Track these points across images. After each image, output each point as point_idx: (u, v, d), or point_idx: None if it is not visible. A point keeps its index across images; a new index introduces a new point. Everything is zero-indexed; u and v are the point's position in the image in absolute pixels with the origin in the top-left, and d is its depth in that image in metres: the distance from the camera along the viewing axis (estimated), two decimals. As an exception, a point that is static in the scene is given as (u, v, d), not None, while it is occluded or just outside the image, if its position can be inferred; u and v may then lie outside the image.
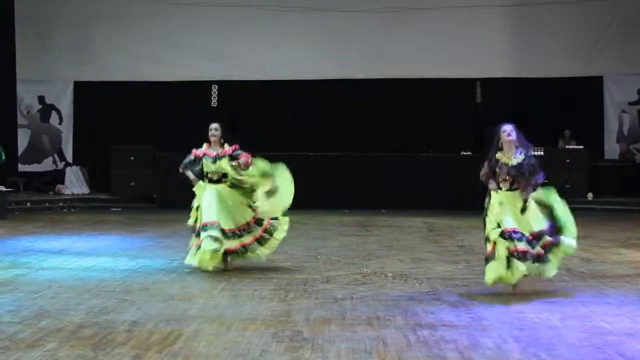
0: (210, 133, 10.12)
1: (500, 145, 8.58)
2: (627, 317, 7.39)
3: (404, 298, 8.31)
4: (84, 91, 22.38)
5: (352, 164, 19.85)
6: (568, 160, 19.63)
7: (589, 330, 6.86)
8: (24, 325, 6.92)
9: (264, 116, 21.51)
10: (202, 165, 10.04)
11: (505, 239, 8.30)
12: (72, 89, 22.55)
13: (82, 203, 19.91)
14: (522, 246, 8.27)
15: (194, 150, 10.17)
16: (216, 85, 22.10)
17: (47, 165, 22.59)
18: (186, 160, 10.18)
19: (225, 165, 10.00)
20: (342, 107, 21.45)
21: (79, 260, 10.83)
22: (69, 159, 22.37)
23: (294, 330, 6.84)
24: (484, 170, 8.67)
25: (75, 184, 21.18)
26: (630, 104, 21.95)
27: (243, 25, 21.82)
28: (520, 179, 8.47)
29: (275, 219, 10.32)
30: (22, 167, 22.46)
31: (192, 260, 9.80)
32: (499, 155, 8.57)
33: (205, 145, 10.11)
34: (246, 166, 10.05)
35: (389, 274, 9.85)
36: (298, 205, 18.23)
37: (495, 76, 21.56)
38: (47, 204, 19.64)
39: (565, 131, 20.93)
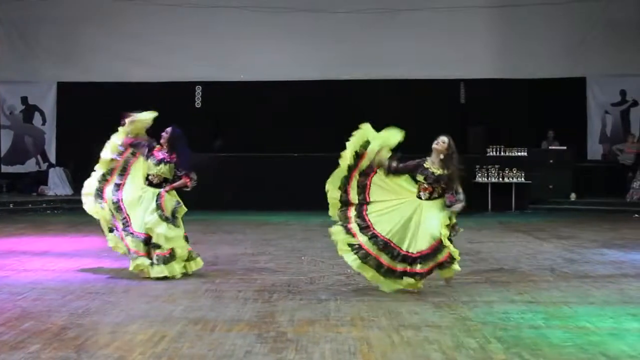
0: (162, 135, 9.87)
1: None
2: (610, 317, 7.42)
3: (387, 299, 8.32)
4: (67, 92, 22.31)
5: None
6: (551, 161, 19.73)
7: (573, 331, 6.89)
8: (7, 327, 6.89)
9: (247, 117, 21.50)
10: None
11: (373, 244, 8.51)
12: (55, 89, 22.47)
13: (65, 204, 19.80)
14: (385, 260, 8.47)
15: (157, 147, 9.88)
16: (200, 86, 22.08)
17: (30, 166, 22.50)
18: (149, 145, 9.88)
19: (168, 171, 9.71)
20: (326, 108, 21.45)
21: (63, 262, 10.79)
22: (52, 160, 22.29)
23: (278, 331, 6.85)
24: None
25: (58, 185, 21.09)
26: (613, 105, 22.07)
27: (227, 26, 21.80)
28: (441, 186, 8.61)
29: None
30: (4, 168, 22.40)
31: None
32: (427, 163, 8.71)
33: (157, 147, 9.87)
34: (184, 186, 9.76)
35: (373, 275, 9.85)
36: (283, 206, 18.39)
37: (479, 77, 21.62)
38: (30, 205, 19.55)
39: (548, 132, 21.01)
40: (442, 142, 8.72)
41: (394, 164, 8.74)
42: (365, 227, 8.59)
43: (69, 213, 18.76)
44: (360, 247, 8.53)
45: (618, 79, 21.78)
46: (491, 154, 19.49)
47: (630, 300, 8.29)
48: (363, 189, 8.80)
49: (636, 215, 17.91)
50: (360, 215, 8.68)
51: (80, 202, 20.33)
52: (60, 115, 22.49)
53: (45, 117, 22.55)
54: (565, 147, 20.24)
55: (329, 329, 6.93)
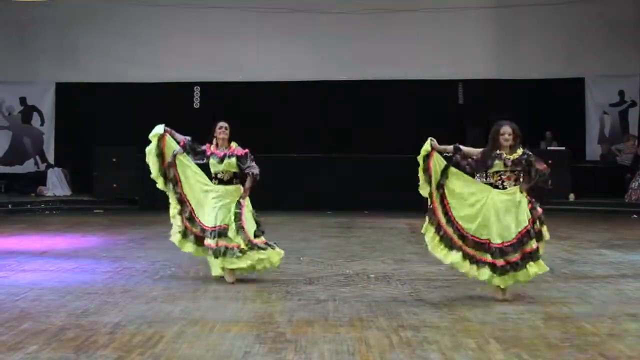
0: (220, 131, 9.56)
1: (496, 144, 8.37)
2: (608, 317, 7.42)
3: (386, 299, 8.32)
4: (65, 92, 22.30)
5: (334, 165, 19.86)
6: (550, 162, 19.51)
7: (571, 331, 6.89)
8: (5, 328, 6.88)
9: (246, 117, 21.40)
10: (208, 164, 9.49)
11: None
12: (53, 90, 22.47)
13: (63, 205, 19.81)
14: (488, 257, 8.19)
15: (207, 145, 9.56)
16: (198, 87, 22.08)
17: (28, 166, 22.49)
18: (195, 147, 9.53)
19: (233, 164, 9.42)
20: (325, 108, 21.46)
21: (61, 262, 10.78)
22: (51, 160, 22.28)
23: (277, 331, 6.84)
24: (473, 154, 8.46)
25: (57, 185, 21.09)
26: (611, 105, 22.07)
27: (225, 26, 21.80)
28: (527, 170, 8.30)
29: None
30: (3, 169, 22.37)
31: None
32: (498, 152, 8.34)
33: (212, 146, 9.53)
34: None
35: (372, 275, 9.86)
36: (281, 206, 18.39)
37: (477, 77, 21.61)
38: (28, 205, 19.54)
39: (547, 132, 21.01)
40: (507, 134, 8.36)
41: (458, 157, 8.45)
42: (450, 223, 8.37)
43: (68, 213, 18.78)
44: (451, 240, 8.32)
45: (616, 79, 21.78)
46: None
47: (628, 300, 8.29)
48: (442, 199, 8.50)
49: (635, 216, 17.93)
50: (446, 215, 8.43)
51: (78, 202, 20.56)
52: (58, 116, 22.48)
53: (44, 117, 22.53)
54: (563, 148, 20.22)
55: (327, 330, 6.93)
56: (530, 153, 8.43)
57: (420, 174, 8.59)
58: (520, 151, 8.40)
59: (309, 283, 9.31)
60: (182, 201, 9.46)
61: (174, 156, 9.52)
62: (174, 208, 9.50)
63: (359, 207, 18.80)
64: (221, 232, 9.20)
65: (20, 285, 8.97)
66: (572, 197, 19.57)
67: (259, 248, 9.25)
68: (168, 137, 9.59)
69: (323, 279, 9.57)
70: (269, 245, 9.39)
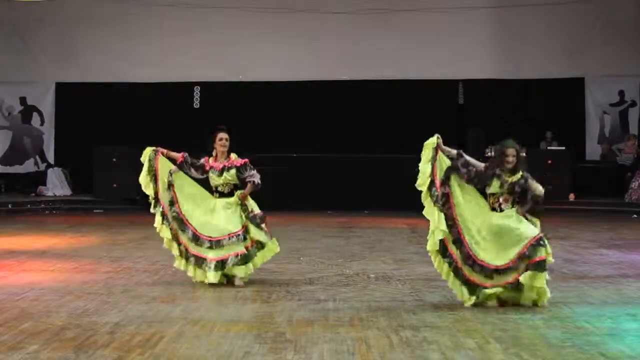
0: (220, 143, 9.52)
1: (499, 163, 8.20)
2: (608, 317, 7.43)
3: (386, 299, 8.33)
4: (65, 92, 22.28)
5: (335, 165, 19.85)
6: (550, 161, 19.69)
7: (571, 331, 6.90)
8: (6, 328, 6.89)
9: (246, 118, 21.47)
10: (208, 178, 9.44)
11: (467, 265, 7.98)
12: (53, 90, 22.44)
13: (64, 205, 19.81)
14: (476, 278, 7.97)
15: (206, 158, 9.52)
16: (198, 87, 22.08)
17: (28, 166, 22.48)
18: (194, 162, 9.48)
19: (233, 176, 9.43)
20: (325, 108, 21.44)
21: (61, 263, 10.78)
22: (51, 160, 22.27)
23: (277, 331, 6.85)
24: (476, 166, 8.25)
25: (57, 185, 21.09)
26: (611, 105, 22.06)
27: (226, 26, 21.78)
28: (523, 196, 8.12)
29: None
30: (3, 169, 22.36)
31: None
32: (499, 171, 8.16)
33: (211, 159, 9.49)
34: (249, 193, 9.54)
35: (372, 275, 9.87)
36: (281, 206, 18.38)
37: (478, 77, 21.59)
38: (28, 205, 19.54)
39: (547, 132, 21.01)
40: (512, 156, 8.16)
41: (460, 163, 8.22)
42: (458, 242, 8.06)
43: (68, 213, 18.79)
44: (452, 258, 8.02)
45: (616, 79, 21.77)
46: (490, 154, 19.46)
47: (629, 300, 8.30)
48: (446, 200, 8.19)
49: (635, 216, 17.93)
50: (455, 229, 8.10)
51: (78, 202, 20.57)
52: (58, 116, 22.46)
53: (44, 117, 22.52)
54: (564, 148, 20.23)
55: (327, 329, 6.93)
56: (528, 176, 8.21)
57: (424, 166, 8.36)
58: (519, 174, 8.17)
59: (309, 283, 9.31)
60: (182, 221, 9.26)
61: (171, 175, 9.37)
62: (166, 232, 9.28)
63: (359, 207, 18.80)
64: (231, 239, 9.17)
65: (21, 285, 8.97)
66: (572, 197, 19.56)
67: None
68: (161, 157, 9.45)
69: (323, 279, 9.58)
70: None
